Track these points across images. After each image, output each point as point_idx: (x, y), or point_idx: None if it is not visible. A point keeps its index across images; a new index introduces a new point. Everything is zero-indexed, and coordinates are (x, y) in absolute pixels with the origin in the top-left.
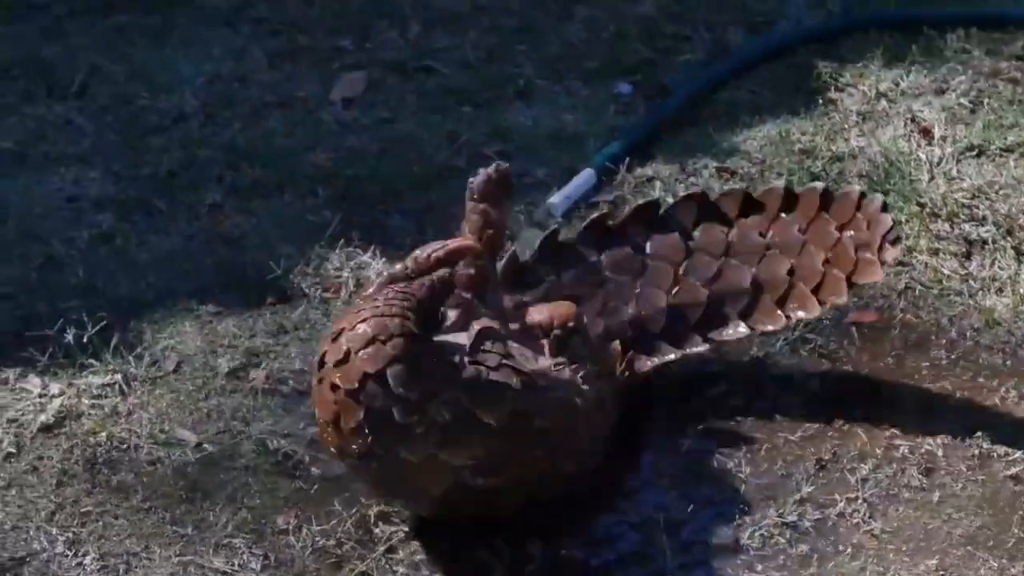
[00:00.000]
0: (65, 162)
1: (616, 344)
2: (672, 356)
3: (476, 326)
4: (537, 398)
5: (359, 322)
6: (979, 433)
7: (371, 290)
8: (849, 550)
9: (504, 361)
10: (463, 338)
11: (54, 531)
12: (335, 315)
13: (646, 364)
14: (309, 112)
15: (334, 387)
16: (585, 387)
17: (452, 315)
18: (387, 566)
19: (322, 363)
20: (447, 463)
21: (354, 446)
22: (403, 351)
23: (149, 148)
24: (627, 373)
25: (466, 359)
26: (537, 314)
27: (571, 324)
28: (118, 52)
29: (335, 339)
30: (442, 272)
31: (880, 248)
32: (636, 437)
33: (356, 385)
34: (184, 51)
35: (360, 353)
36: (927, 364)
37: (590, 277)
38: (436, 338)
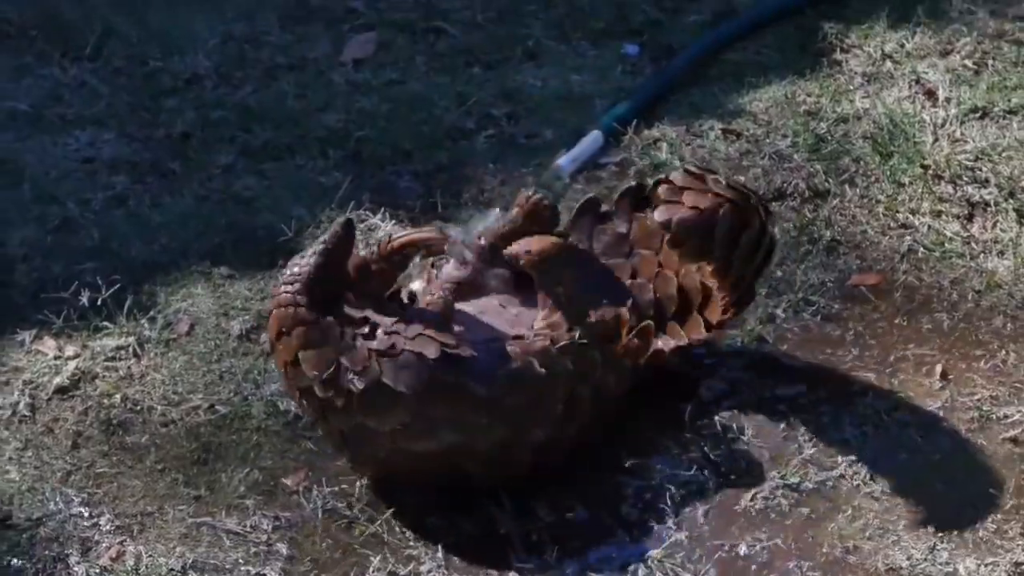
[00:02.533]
0: (80, 124)
1: (624, 311)
2: (684, 341)
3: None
4: (472, 366)
5: (268, 313)
6: (978, 396)
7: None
8: (850, 512)
9: (425, 332)
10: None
11: (70, 492)
12: None
13: (668, 344)
14: (320, 73)
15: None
16: (563, 357)
17: (418, 285)
18: (396, 527)
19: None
20: (376, 429)
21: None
22: (304, 340)
23: (163, 109)
24: (642, 352)
25: (381, 331)
26: (515, 246)
27: (543, 255)
28: (133, 13)
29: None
30: (322, 246)
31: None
32: (640, 401)
33: (284, 371)
34: (197, 12)
35: (278, 345)
36: (929, 326)
37: (620, 247)
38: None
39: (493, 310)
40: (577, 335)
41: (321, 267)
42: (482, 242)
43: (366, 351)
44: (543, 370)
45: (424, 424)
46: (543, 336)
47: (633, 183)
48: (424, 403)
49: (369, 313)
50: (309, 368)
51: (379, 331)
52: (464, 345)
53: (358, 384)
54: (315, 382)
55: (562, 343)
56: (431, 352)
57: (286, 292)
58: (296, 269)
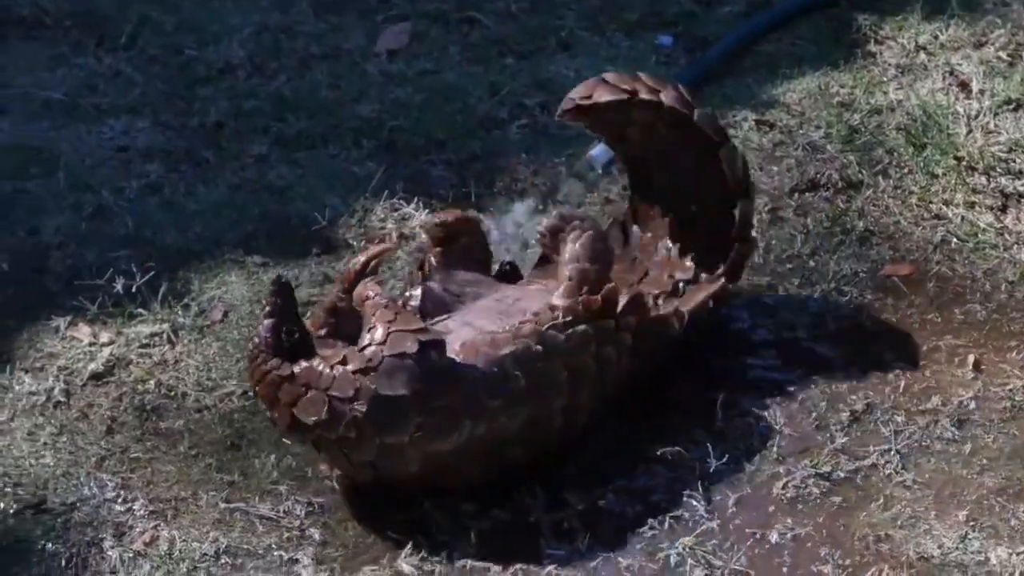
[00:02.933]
0: (115, 113)
1: (615, 287)
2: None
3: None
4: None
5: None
6: (1011, 386)
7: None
8: (881, 501)
9: (393, 328)
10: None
11: (104, 477)
12: None
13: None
14: (354, 63)
15: None
16: (560, 337)
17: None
18: (430, 513)
19: None
20: (399, 444)
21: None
22: (291, 396)
23: (197, 99)
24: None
25: (354, 353)
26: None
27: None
28: (167, 3)
29: None
30: (267, 309)
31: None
32: (671, 389)
33: (293, 436)
34: (231, 2)
35: (276, 415)
36: (961, 317)
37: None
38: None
39: (486, 308)
40: (560, 315)
41: (274, 327)
42: (431, 257)
43: (349, 375)
44: (539, 347)
45: (439, 419)
46: (529, 321)
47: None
48: (428, 396)
49: (341, 347)
50: (307, 417)
51: (351, 355)
52: (433, 327)
53: (359, 408)
54: (320, 428)
55: (549, 323)
56: (410, 346)
57: (258, 367)
58: (256, 341)
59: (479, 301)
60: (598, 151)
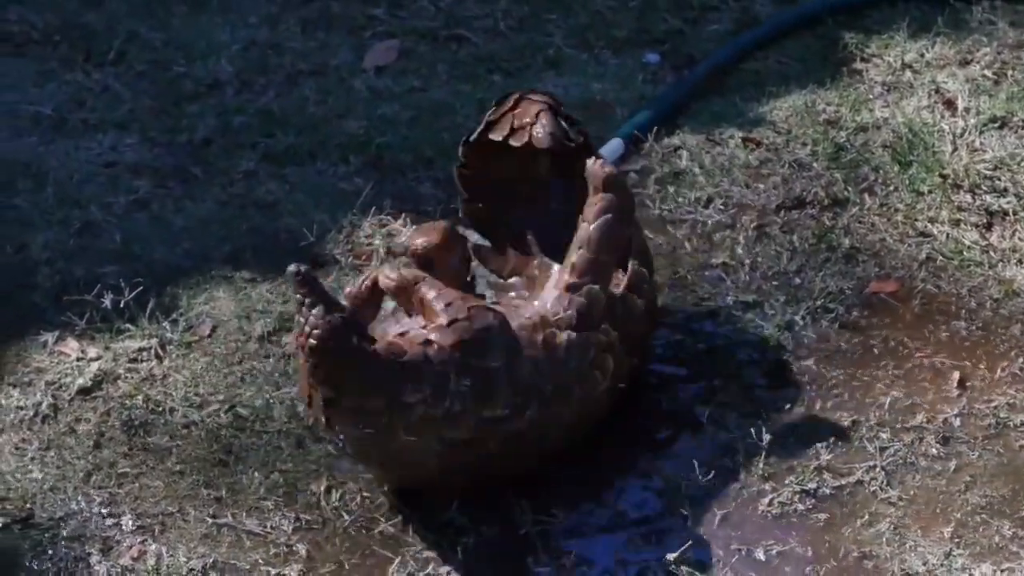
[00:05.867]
0: (103, 128)
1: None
2: None
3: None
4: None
5: None
6: (996, 403)
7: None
8: (867, 517)
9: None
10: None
11: (91, 492)
12: None
13: None
14: (342, 80)
15: None
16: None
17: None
18: (417, 528)
19: None
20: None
21: None
22: None
23: (185, 114)
24: None
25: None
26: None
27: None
28: (156, 19)
29: None
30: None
31: None
32: (656, 407)
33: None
34: (220, 18)
35: None
36: (947, 334)
37: None
38: None
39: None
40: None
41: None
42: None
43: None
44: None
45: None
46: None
47: None
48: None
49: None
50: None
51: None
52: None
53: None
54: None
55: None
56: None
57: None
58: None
59: None
60: (608, 148)
